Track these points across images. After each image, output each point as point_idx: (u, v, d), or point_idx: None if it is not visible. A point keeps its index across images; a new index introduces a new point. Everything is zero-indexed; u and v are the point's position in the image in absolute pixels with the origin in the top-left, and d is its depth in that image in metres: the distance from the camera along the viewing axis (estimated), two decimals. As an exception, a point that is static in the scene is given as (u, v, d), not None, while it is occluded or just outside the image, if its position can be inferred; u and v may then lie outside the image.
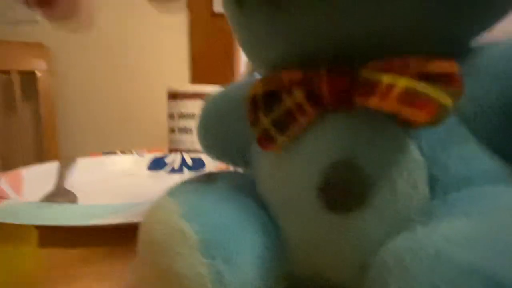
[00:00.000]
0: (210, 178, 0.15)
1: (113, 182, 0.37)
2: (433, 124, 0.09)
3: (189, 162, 0.45)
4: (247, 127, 0.13)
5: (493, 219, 0.08)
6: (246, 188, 0.14)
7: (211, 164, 0.43)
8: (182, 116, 0.51)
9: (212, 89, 0.51)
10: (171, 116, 0.52)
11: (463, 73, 0.11)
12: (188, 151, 0.50)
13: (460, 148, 0.10)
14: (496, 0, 0.11)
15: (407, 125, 0.10)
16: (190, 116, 0.51)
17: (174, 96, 0.51)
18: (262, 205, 0.13)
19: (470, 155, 0.10)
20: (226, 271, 0.11)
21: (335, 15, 0.10)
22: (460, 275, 0.07)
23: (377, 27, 0.10)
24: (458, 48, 0.11)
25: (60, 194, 0.30)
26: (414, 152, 0.10)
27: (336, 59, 0.11)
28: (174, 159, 0.46)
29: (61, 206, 0.23)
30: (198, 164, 0.44)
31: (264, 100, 0.13)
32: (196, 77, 0.86)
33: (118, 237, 0.20)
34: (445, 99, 0.09)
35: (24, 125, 0.91)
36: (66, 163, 0.37)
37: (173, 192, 0.14)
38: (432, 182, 0.10)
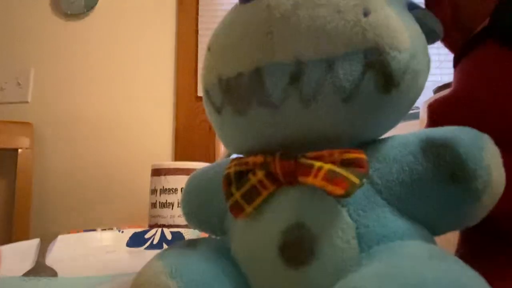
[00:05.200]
0: (192, 243, 0.18)
1: (93, 259, 0.38)
2: (346, 196, 0.13)
3: (169, 236, 0.46)
4: (224, 200, 0.17)
5: (395, 263, 0.12)
6: (221, 251, 0.17)
7: (190, 238, 0.44)
8: (164, 190, 0.53)
9: (194, 165, 0.55)
10: (153, 191, 0.54)
11: (373, 158, 0.15)
12: (168, 225, 0.51)
13: (376, 213, 0.14)
14: (394, 112, 0.16)
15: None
16: (172, 191, 0.53)
17: (157, 172, 0.54)
18: (235, 264, 0.16)
19: (384, 218, 0.14)
20: None
21: (279, 124, 0.15)
22: None
23: (308, 133, 0.15)
24: (370, 140, 0.16)
25: (40, 270, 0.30)
26: (345, 215, 0.14)
27: (286, 147, 0.16)
28: (153, 234, 0.47)
29: (47, 279, 0.24)
30: (177, 238, 0.45)
31: (236, 178, 0.17)
32: (179, 154, 0.90)
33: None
34: (354, 178, 0.13)
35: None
36: (47, 240, 0.38)
37: (160, 256, 0.16)
38: (359, 238, 0.14)
